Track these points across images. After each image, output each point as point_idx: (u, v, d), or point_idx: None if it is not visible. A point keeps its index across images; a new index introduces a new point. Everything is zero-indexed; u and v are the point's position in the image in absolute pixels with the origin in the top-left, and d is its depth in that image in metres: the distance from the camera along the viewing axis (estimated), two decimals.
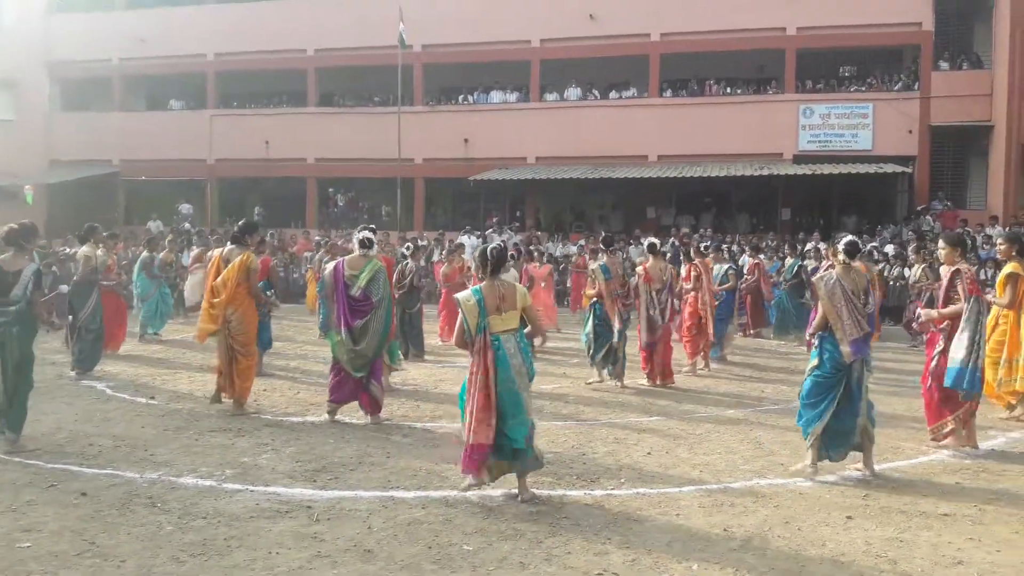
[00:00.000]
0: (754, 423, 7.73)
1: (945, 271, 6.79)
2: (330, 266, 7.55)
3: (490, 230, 23.14)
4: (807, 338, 6.39)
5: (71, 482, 5.61)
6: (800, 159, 22.55)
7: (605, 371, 9.56)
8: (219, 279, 7.87)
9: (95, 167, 27.91)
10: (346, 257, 7.50)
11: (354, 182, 27.03)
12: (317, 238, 22.06)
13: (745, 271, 14.68)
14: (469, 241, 20.72)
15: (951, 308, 6.62)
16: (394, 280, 10.23)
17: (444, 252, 16.35)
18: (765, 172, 21.56)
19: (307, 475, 5.85)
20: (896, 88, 22.73)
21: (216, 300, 7.80)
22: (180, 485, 5.58)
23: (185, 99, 28.80)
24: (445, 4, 25.55)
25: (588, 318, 9.69)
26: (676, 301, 10.04)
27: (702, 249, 11.26)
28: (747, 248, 16.92)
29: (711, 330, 10.58)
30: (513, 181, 23.85)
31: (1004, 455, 6.68)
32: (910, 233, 19.82)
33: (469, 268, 13.78)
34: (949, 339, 6.60)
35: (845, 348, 5.86)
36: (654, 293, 9.47)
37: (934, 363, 6.69)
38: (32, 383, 6.64)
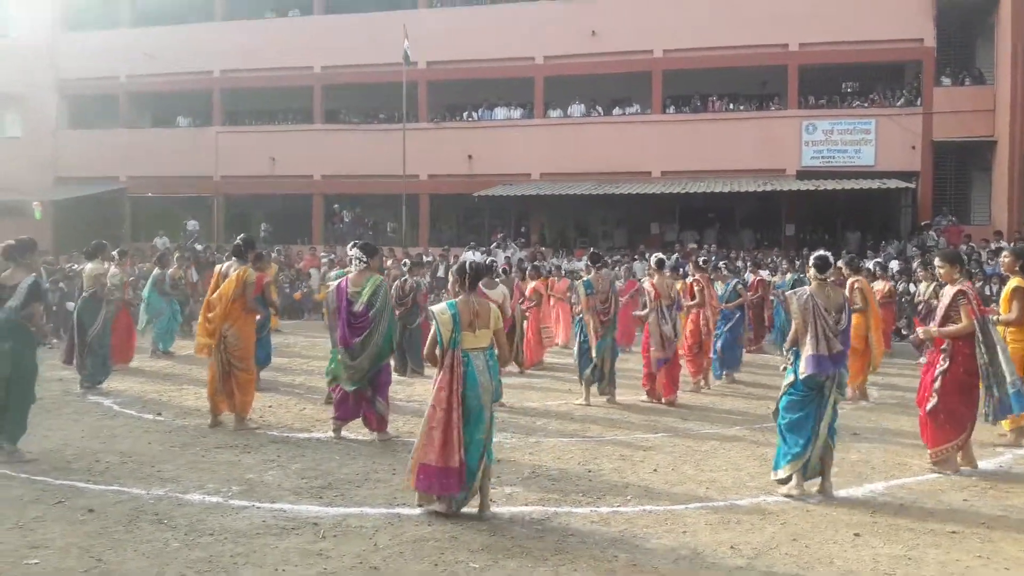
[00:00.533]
0: (760, 440, 7.70)
1: (948, 290, 6.63)
2: (334, 284, 7.55)
3: (494, 245, 23.19)
4: (784, 353, 6.34)
5: (78, 498, 5.62)
6: (803, 175, 22.60)
7: (594, 387, 9.52)
8: (215, 293, 7.93)
9: (102, 184, 28.08)
10: (349, 275, 7.50)
11: (360, 198, 27.15)
12: (323, 255, 22.15)
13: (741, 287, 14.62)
14: (473, 257, 20.75)
15: (952, 328, 6.45)
16: (395, 297, 10.21)
17: (451, 268, 16.38)
18: (768, 188, 21.60)
19: (313, 492, 5.85)
20: (899, 104, 22.82)
21: (211, 314, 7.86)
22: (187, 501, 5.59)
23: (192, 116, 29.00)
24: (449, 22, 25.80)
25: (576, 336, 9.70)
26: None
27: (701, 264, 11.17)
28: (748, 264, 16.91)
29: (709, 348, 10.54)
30: (517, 197, 23.93)
31: (1012, 473, 6.64)
32: (914, 249, 19.83)
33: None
34: (950, 358, 6.46)
35: (803, 365, 5.85)
36: (664, 309, 9.48)
37: (937, 384, 6.51)
38: (33, 397, 6.67)
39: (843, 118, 22.93)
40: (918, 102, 22.45)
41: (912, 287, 15.08)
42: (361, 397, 7.38)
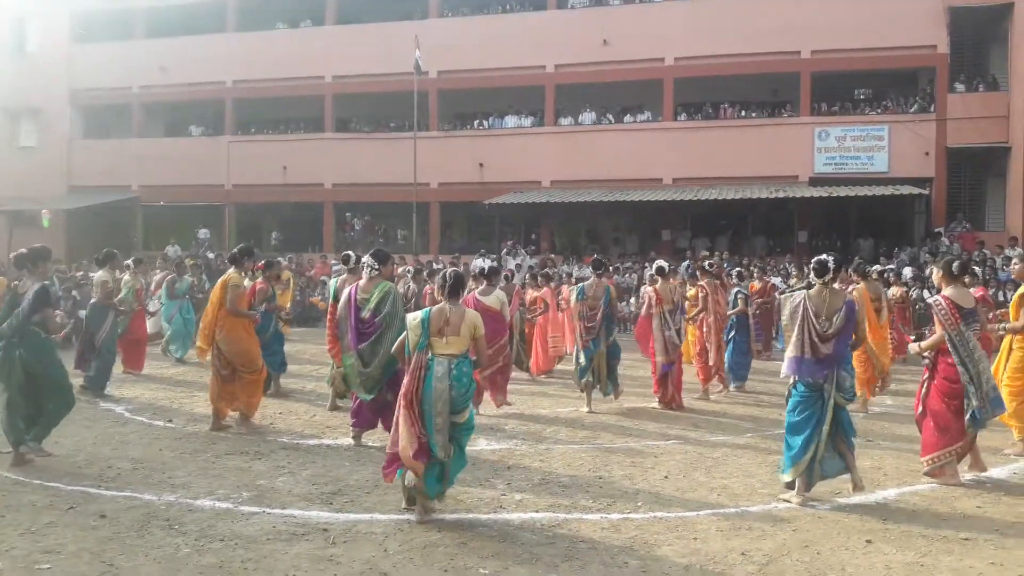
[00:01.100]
0: (771, 447, 7.63)
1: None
2: (345, 291, 7.57)
3: (505, 252, 23.21)
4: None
5: (90, 504, 5.65)
6: (816, 181, 22.52)
7: (595, 392, 9.49)
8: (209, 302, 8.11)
9: (115, 193, 28.32)
10: (359, 282, 7.51)
11: (370, 206, 27.26)
12: (334, 262, 22.22)
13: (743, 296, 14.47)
14: (484, 265, 20.75)
15: (927, 341, 6.52)
16: None
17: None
18: (781, 195, 21.53)
19: (323, 498, 5.86)
20: (912, 110, 22.72)
21: (206, 320, 8.05)
22: (197, 508, 5.60)
23: (204, 125, 29.23)
24: (460, 30, 25.90)
25: (576, 347, 9.70)
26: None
27: (707, 268, 11.07)
28: (755, 270, 16.84)
29: (714, 354, 10.45)
30: (528, 205, 23.95)
31: None
32: (927, 255, 19.70)
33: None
34: (933, 367, 6.45)
35: (784, 366, 5.95)
36: (667, 314, 9.47)
37: (922, 392, 6.51)
38: (71, 403, 6.72)
39: (856, 125, 22.85)
40: (932, 108, 22.34)
41: (926, 294, 14.97)
42: (377, 403, 7.38)
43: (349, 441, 7.67)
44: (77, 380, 10.40)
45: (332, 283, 8.53)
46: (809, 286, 6.13)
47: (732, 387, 10.91)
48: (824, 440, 5.81)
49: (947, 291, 6.48)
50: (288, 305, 12.68)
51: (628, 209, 23.89)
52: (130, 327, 11.25)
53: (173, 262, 15.13)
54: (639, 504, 5.81)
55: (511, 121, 25.93)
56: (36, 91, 29.00)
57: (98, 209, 27.61)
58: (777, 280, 15.43)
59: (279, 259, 14.00)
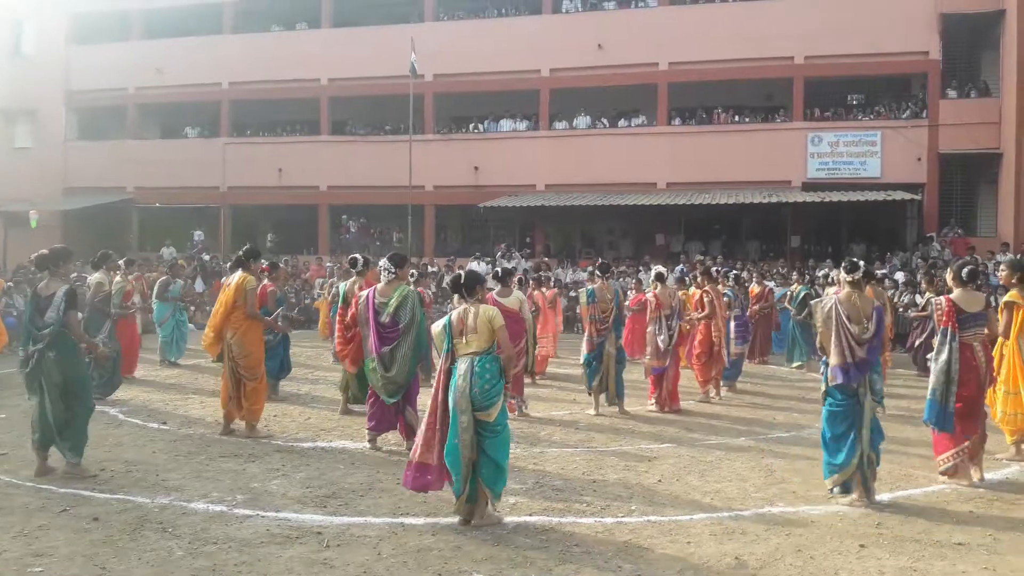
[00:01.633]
0: (765, 451, 7.69)
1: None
2: (364, 294, 7.52)
3: (499, 255, 23.23)
4: (815, 360, 6.41)
5: (83, 507, 5.63)
6: (809, 187, 22.62)
7: (602, 397, 9.56)
8: (217, 302, 8.03)
9: (110, 194, 28.27)
10: (377, 285, 7.50)
11: (366, 209, 27.26)
12: (329, 264, 22.22)
13: (751, 298, 14.57)
14: (479, 268, 20.80)
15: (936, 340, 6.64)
16: None
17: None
18: (774, 200, 21.61)
19: (317, 501, 5.86)
20: (904, 116, 22.84)
21: (214, 321, 7.99)
22: (191, 510, 5.60)
23: (199, 127, 29.21)
24: (456, 34, 25.96)
25: (582, 348, 9.73)
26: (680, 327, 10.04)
27: (714, 274, 11.16)
28: (754, 275, 16.91)
29: (724, 357, 10.57)
30: (523, 208, 23.99)
31: (1018, 483, 6.61)
32: (919, 260, 19.79)
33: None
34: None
35: (830, 373, 5.94)
36: (663, 319, 9.55)
37: None
38: (91, 407, 6.57)
39: (849, 130, 22.97)
40: (924, 114, 22.48)
41: (918, 298, 15.03)
42: (395, 407, 7.39)
43: (343, 444, 7.68)
44: None
45: (341, 287, 8.51)
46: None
47: (724, 388, 11.02)
48: (867, 442, 5.87)
49: (954, 293, 6.62)
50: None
51: (622, 213, 23.95)
52: (121, 330, 11.17)
53: (168, 264, 15.05)
54: (633, 508, 5.82)
55: (506, 125, 25.98)
56: (32, 92, 28.95)
57: (93, 211, 27.57)
58: (772, 284, 15.44)
59: (277, 262, 13.98)
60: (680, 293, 10.71)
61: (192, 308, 19.99)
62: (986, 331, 6.60)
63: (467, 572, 4.59)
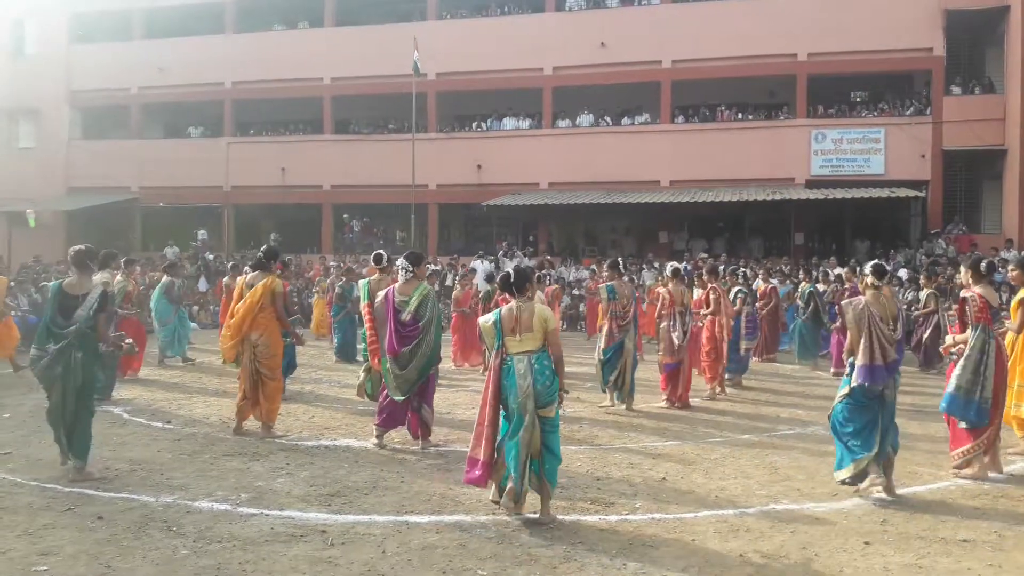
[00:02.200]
0: (770, 448, 7.68)
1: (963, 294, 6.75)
2: (382, 292, 7.49)
3: (501, 253, 23.24)
4: (844, 360, 6.36)
5: (87, 506, 5.64)
6: (812, 184, 22.57)
7: (615, 395, 9.60)
8: (241, 303, 7.95)
9: (113, 194, 28.33)
10: (396, 283, 7.50)
11: (369, 208, 27.29)
12: (332, 263, 22.24)
13: (758, 296, 14.58)
14: (482, 266, 20.81)
15: (959, 336, 6.62)
16: None
17: (458, 277, 16.47)
18: (777, 197, 21.57)
19: (321, 499, 5.86)
20: (908, 113, 22.78)
21: (232, 321, 7.88)
22: (195, 509, 5.60)
23: (203, 127, 29.25)
24: (459, 33, 25.95)
25: (599, 343, 9.74)
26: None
27: (720, 272, 11.20)
28: (760, 272, 16.91)
29: (724, 355, 10.59)
30: (526, 206, 23.98)
31: None
32: (923, 257, 19.74)
33: (479, 292, 13.88)
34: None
35: (856, 373, 5.89)
36: (677, 315, 9.65)
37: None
38: (93, 410, 6.53)
39: (852, 127, 22.91)
40: (928, 111, 22.42)
41: (921, 295, 14.99)
42: (406, 405, 7.39)
43: (347, 442, 7.68)
44: None
45: (363, 284, 8.50)
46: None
47: (728, 383, 11.08)
48: (891, 437, 5.92)
49: (978, 288, 6.60)
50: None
51: (625, 211, 23.93)
52: (126, 330, 11.17)
53: (166, 264, 15.02)
54: (637, 505, 5.81)
55: (509, 123, 25.97)
56: (35, 92, 29.02)
57: (97, 210, 27.63)
58: (775, 282, 15.42)
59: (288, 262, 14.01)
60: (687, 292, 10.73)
61: (196, 307, 20.07)
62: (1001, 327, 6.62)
63: (472, 570, 4.59)
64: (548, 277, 17.60)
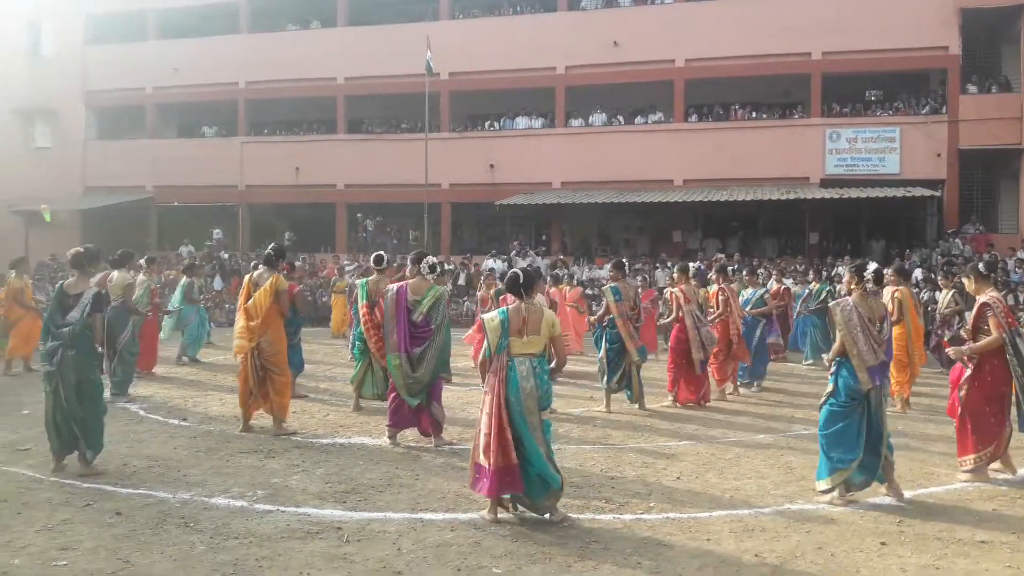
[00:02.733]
0: (784, 448, 7.65)
1: (978, 300, 6.56)
2: (392, 289, 7.51)
3: (513, 253, 23.25)
4: (825, 362, 6.28)
5: (106, 502, 5.70)
6: (827, 183, 22.44)
7: (623, 394, 9.54)
8: (250, 302, 7.99)
9: (129, 193, 28.51)
10: (409, 281, 7.52)
11: (382, 207, 27.35)
12: (346, 262, 22.30)
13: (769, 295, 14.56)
14: (496, 265, 20.83)
15: (981, 343, 6.36)
16: None
17: (483, 278, 16.52)
18: (792, 196, 21.46)
19: (337, 496, 5.89)
20: (923, 112, 22.61)
21: (253, 323, 7.89)
22: (212, 505, 5.64)
23: (217, 126, 29.39)
24: (471, 32, 25.97)
25: (600, 344, 9.72)
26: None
27: (729, 273, 11.14)
28: (773, 273, 16.85)
29: (742, 355, 10.55)
30: (539, 206, 23.97)
31: None
32: (939, 257, 19.59)
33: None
34: (977, 367, 6.39)
35: (863, 375, 5.82)
36: (698, 312, 9.66)
37: (962, 393, 6.49)
38: (104, 407, 6.64)
39: (867, 126, 22.75)
40: (943, 110, 22.23)
41: (938, 295, 14.88)
42: (418, 406, 7.40)
43: (362, 440, 7.72)
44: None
45: (361, 284, 8.55)
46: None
47: (755, 384, 11.10)
48: (885, 441, 5.82)
49: (991, 291, 6.48)
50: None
51: (639, 210, 23.88)
52: (142, 327, 11.28)
53: (185, 264, 15.12)
54: (652, 505, 5.81)
55: (522, 122, 25.97)
56: (51, 93, 29.25)
57: (112, 210, 27.81)
58: (789, 282, 15.36)
59: (295, 261, 14.08)
60: (701, 291, 10.70)
61: (211, 306, 20.18)
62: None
63: (486, 568, 4.60)
64: (572, 278, 17.47)
